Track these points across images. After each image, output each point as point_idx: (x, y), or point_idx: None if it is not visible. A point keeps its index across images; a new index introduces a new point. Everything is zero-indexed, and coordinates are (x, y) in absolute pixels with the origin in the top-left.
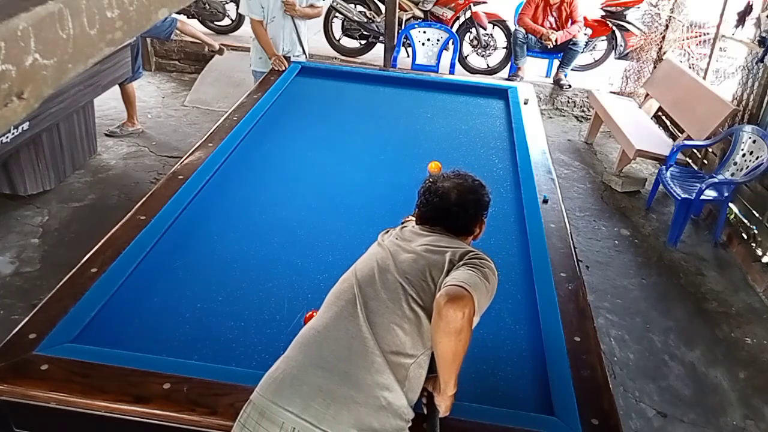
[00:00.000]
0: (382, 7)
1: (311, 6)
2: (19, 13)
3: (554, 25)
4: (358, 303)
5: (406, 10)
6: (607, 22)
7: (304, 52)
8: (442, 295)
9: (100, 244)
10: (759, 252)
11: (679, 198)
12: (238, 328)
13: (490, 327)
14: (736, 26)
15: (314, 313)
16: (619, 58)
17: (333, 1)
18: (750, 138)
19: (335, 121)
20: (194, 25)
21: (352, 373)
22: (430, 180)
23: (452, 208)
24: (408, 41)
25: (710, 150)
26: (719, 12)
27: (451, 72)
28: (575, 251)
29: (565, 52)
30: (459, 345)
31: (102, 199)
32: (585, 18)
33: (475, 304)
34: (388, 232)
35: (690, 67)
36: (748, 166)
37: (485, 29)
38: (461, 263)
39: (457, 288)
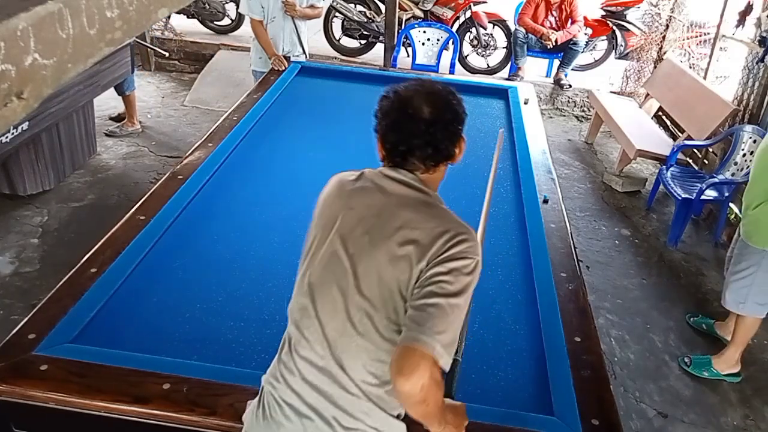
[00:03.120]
0: (382, 7)
1: (311, 6)
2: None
3: (554, 25)
4: (327, 341)
5: (406, 10)
6: (608, 21)
7: (304, 52)
8: (393, 365)
9: (99, 244)
10: None
11: (680, 198)
12: (237, 328)
13: (490, 327)
14: (737, 26)
15: None
16: (619, 58)
17: (333, 1)
18: (750, 138)
19: (335, 120)
20: (194, 25)
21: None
22: (390, 94)
23: (429, 129)
24: (408, 41)
25: (711, 150)
26: (719, 12)
27: (451, 72)
28: (575, 251)
29: (565, 51)
30: (428, 409)
31: (101, 199)
32: (585, 18)
33: (439, 361)
34: (345, 180)
35: (690, 67)
36: (748, 166)
37: (485, 29)
38: (433, 274)
39: (409, 353)
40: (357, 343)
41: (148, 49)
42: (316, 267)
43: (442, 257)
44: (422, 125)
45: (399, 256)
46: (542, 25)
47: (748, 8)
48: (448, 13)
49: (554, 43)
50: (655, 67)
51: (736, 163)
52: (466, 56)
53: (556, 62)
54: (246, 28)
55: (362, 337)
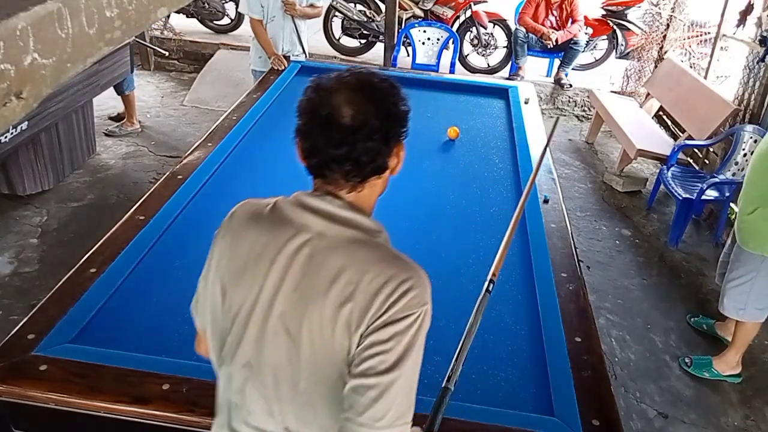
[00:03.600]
0: (382, 6)
1: (311, 6)
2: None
3: (555, 25)
4: (274, 413)
5: (406, 9)
6: (608, 21)
7: (303, 52)
8: None
9: (99, 244)
10: None
11: (680, 198)
12: None
13: (491, 327)
14: (737, 26)
15: None
16: (619, 58)
17: (333, 0)
18: (751, 138)
19: None
20: (193, 25)
21: None
22: (309, 88)
23: (348, 138)
24: (408, 40)
25: (711, 150)
26: (720, 11)
27: (452, 71)
28: (576, 251)
29: (565, 51)
30: None
31: (101, 199)
32: (586, 17)
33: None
34: (258, 217)
35: (691, 67)
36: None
37: (486, 28)
38: (371, 343)
39: None
40: (308, 413)
41: (148, 49)
42: (251, 342)
43: (382, 320)
44: (339, 132)
45: (336, 320)
46: (543, 24)
47: (749, 8)
48: (449, 13)
49: (555, 43)
50: (655, 66)
51: (736, 163)
52: (466, 56)
53: (557, 62)
54: (245, 28)
55: (313, 408)
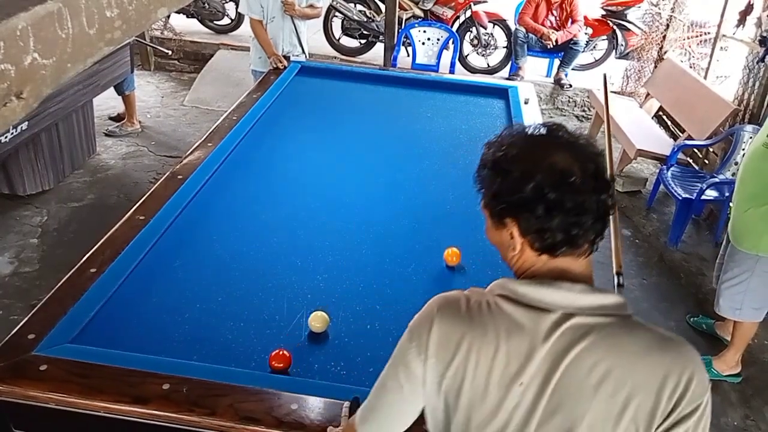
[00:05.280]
0: (382, 7)
1: (311, 6)
2: (19, 13)
3: (555, 25)
4: None
5: (406, 10)
6: (608, 21)
7: (303, 52)
8: None
9: (99, 244)
10: None
11: (680, 198)
12: (237, 329)
13: None
14: (737, 26)
15: (281, 352)
16: (619, 58)
17: (333, 1)
18: (751, 138)
19: (335, 120)
20: (193, 25)
21: None
22: (528, 140)
23: (592, 205)
24: (408, 40)
25: (711, 150)
26: (720, 11)
27: (452, 71)
28: None
29: (565, 51)
30: None
31: (101, 199)
32: (585, 17)
33: None
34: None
35: (691, 67)
36: None
37: (485, 28)
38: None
39: None
40: None
41: (148, 49)
42: None
43: (670, 420)
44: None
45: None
46: (542, 24)
47: (749, 8)
48: (448, 13)
49: (554, 43)
50: (655, 66)
51: (736, 163)
52: (466, 56)
53: (557, 62)
54: (246, 28)
55: None
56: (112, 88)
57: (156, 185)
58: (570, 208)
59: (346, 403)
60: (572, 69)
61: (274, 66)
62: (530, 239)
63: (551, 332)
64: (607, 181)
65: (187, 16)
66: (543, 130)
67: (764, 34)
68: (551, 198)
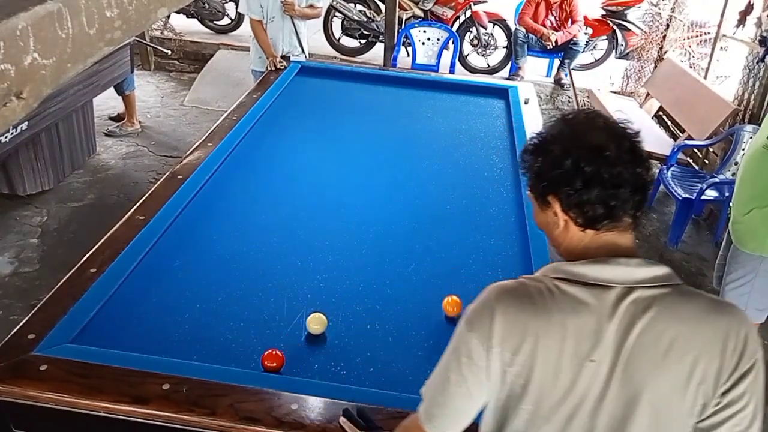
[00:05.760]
0: (382, 7)
1: (311, 6)
2: (19, 13)
3: (554, 25)
4: None
5: (406, 10)
6: (608, 21)
7: (303, 52)
8: None
9: (99, 244)
10: None
11: (680, 198)
12: (237, 329)
13: None
14: (737, 26)
15: (274, 351)
16: (619, 58)
17: (333, 1)
18: (751, 138)
19: (335, 120)
20: (193, 25)
21: None
22: (566, 123)
23: (628, 178)
24: (408, 40)
25: (711, 150)
26: (720, 11)
27: (452, 71)
28: None
29: (565, 51)
30: None
31: (101, 199)
32: (585, 17)
33: None
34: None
35: (691, 67)
36: None
37: (485, 28)
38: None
39: None
40: None
41: (148, 49)
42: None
43: (735, 377)
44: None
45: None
46: (542, 24)
47: (749, 8)
48: (448, 13)
49: (554, 43)
50: (655, 66)
51: (736, 163)
52: (466, 56)
53: (557, 62)
54: (245, 28)
55: None
56: (112, 88)
57: (156, 185)
58: (606, 179)
59: (343, 418)
60: (572, 69)
61: (272, 68)
62: (573, 215)
63: (616, 307)
64: (643, 155)
65: (187, 16)
66: (581, 115)
67: (764, 34)
68: (588, 171)
